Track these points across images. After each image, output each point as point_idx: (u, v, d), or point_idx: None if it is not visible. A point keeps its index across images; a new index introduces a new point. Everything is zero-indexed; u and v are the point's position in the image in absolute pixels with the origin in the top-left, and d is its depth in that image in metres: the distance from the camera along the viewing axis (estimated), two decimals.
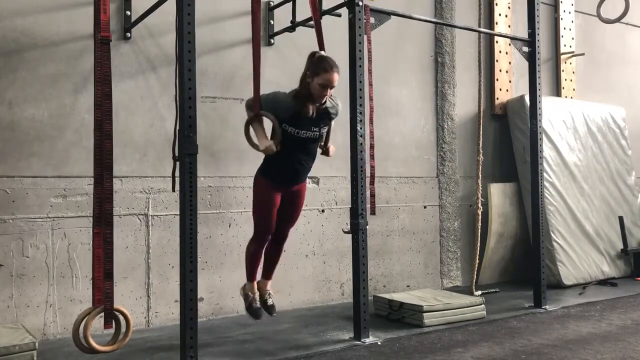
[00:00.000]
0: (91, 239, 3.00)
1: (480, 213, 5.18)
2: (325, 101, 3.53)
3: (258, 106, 3.45)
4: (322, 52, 3.56)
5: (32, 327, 3.70)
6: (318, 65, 3.41)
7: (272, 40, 4.73)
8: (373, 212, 3.91)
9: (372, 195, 3.92)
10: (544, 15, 6.38)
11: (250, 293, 3.77)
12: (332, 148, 3.77)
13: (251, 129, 3.51)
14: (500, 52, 6.10)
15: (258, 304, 3.77)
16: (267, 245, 3.71)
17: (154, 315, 4.19)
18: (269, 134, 3.51)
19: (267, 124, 3.50)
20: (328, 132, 3.72)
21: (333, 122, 3.71)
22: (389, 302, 4.35)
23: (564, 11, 6.65)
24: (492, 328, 4.04)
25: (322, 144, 3.73)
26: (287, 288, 4.74)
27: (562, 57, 6.63)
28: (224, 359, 3.42)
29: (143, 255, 4.18)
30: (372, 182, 3.92)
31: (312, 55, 3.50)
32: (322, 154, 3.75)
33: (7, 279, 3.73)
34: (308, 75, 3.43)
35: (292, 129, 3.46)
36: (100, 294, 2.92)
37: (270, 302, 3.81)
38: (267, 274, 3.84)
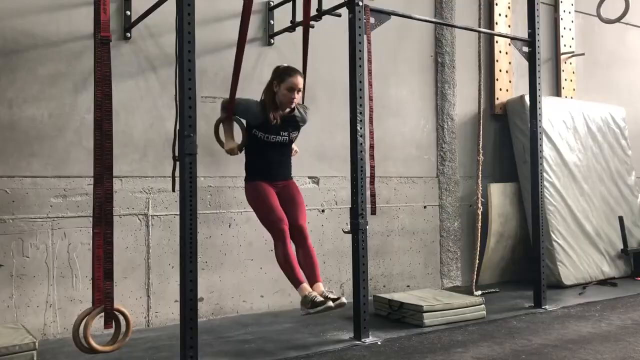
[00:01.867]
0: (91, 239, 2.99)
1: (480, 213, 5.18)
2: (294, 108, 3.76)
3: (231, 110, 3.73)
4: (284, 64, 3.81)
5: (32, 327, 3.70)
6: (283, 72, 3.69)
7: (272, 40, 4.73)
8: (374, 212, 3.91)
9: (373, 195, 3.93)
10: (544, 15, 6.38)
11: (307, 293, 3.43)
12: (295, 149, 4.02)
13: (221, 128, 3.85)
14: (500, 52, 6.10)
15: (321, 298, 3.40)
16: (294, 251, 3.60)
17: (154, 315, 4.19)
18: (238, 136, 3.80)
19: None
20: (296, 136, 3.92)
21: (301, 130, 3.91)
22: (389, 302, 4.35)
23: (564, 11, 6.65)
24: (492, 328, 4.04)
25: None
26: (287, 288, 4.73)
27: (562, 57, 6.63)
28: (224, 359, 3.42)
29: (143, 255, 4.18)
30: (372, 182, 3.93)
31: (277, 67, 3.79)
32: None
33: (7, 279, 3.73)
34: (275, 84, 3.69)
35: (262, 134, 3.71)
36: (100, 294, 2.91)
37: (332, 295, 3.44)
38: (314, 277, 3.58)
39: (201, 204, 4.20)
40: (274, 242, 3.64)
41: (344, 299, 3.42)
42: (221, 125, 3.87)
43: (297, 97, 3.72)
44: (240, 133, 3.84)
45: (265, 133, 3.71)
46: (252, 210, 3.83)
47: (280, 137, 3.75)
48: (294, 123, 3.82)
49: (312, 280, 3.57)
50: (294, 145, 3.97)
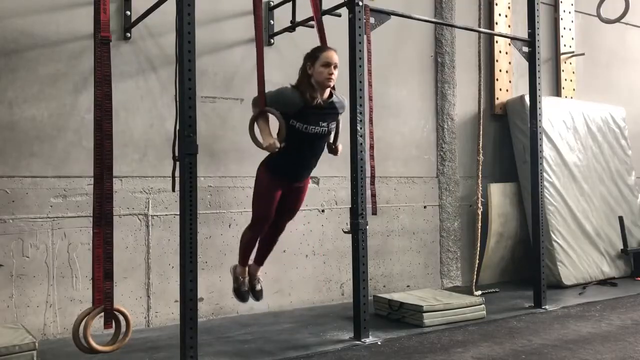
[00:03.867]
0: (91, 239, 3.00)
1: (480, 213, 5.18)
2: (332, 94, 3.49)
3: (263, 102, 3.41)
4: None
5: (32, 327, 3.70)
6: (314, 51, 3.44)
7: (272, 40, 4.73)
8: (374, 212, 3.91)
9: (373, 195, 3.92)
10: (544, 15, 6.38)
11: (240, 277, 3.82)
12: (340, 147, 3.68)
13: (256, 127, 3.47)
14: (500, 52, 6.10)
15: (246, 288, 3.83)
16: (258, 241, 3.74)
17: (154, 315, 4.19)
18: (274, 132, 3.45)
19: (274, 123, 3.47)
20: (337, 130, 3.63)
21: (341, 120, 3.63)
22: (389, 302, 4.35)
23: (564, 11, 6.65)
24: (492, 328, 4.04)
25: (331, 142, 3.65)
26: (287, 288, 4.74)
27: (562, 57, 6.63)
28: (224, 359, 3.42)
29: (143, 255, 4.18)
30: (372, 182, 3.92)
31: (306, 53, 3.51)
32: (329, 152, 3.68)
33: (7, 279, 3.73)
34: (308, 66, 3.41)
35: (300, 125, 3.38)
36: (100, 294, 2.92)
37: (258, 287, 3.87)
38: (260, 260, 3.85)
39: (201, 204, 4.19)
40: (250, 227, 3.67)
41: (260, 298, 3.91)
42: (255, 123, 3.48)
43: (335, 72, 3.39)
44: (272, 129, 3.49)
45: (304, 123, 3.37)
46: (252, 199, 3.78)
47: (320, 128, 3.43)
48: (333, 110, 3.50)
49: (258, 262, 3.86)
50: (339, 143, 3.66)
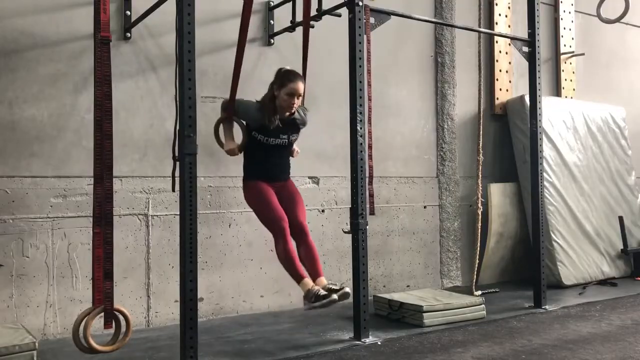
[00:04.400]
0: (91, 239, 2.99)
1: (480, 213, 5.18)
2: (294, 112, 3.71)
3: (231, 110, 3.71)
4: (287, 67, 3.76)
5: (32, 327, 3.70)
6: (284, 77, 3.64)
7: (272, 40, 4.73)
8: (372, 212, 3.91)
9: (371, 195, 3.92)
10: (544, 15, 6.38)
11: (309, 288, 3.43)
12: (296, 150, 3.98)
13: (221, 128, 3.82)
14: (500, 52, 6.10)
15: (324, 292, 3.39)
16: (295, 248, 3.60)
17: (154, 315, 4.19)
18: (238, 136, 3.77)
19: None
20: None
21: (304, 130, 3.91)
22: (389, 302, 4.35)
23: (564, 11, 6.65)
24: (492, 328, 4.04)
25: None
26: (287, 288, 4.73)
27: (562, 57, 6.63)
28: (224, 359, 3.42)
29: (143, 255, 4.18)
30: (370, 182, 3.92)
31: (279, 70, 3.73)
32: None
33: (7, 279, 3.73)
34: (275, 88, 3.65)
35: (262, 137, 3.68)
36: (100, 294, 2.92)
37: (334, 287, 3.46)
38: (316, 272, 3.57)
39: (201, 204, 4.20)
40: (275, 239, 3.61)
41: (347, 289, 3.42)
42: (221, 125, 3.84)
43: (297, 102, 3.66)
44: (240, 133, 3.83)
45: (265, 136, 3.67)
46: (252, 210, 3.82)
47: (280, 140, 3.72)
48: (294, 126, 3.79)
49: (315, 275, 3.56)
50: (295, 146, 3.95)
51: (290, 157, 3.94)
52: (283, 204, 3.70)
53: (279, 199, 3.72)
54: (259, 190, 3.69)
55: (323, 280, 3.55)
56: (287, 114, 3.70)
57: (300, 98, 3.70)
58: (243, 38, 3.60)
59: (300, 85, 3.63)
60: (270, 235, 3.67)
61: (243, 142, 3.75)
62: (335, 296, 3.34)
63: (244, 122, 3.77)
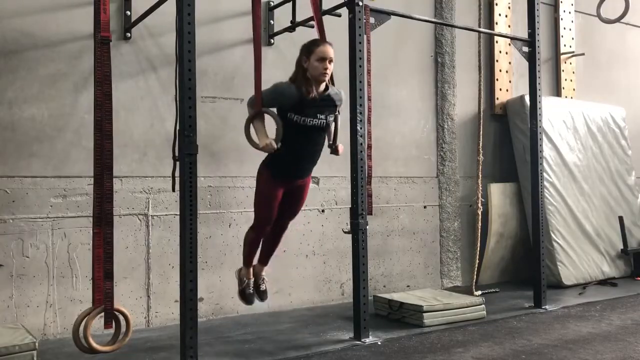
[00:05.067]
0: (91, 239, 3.00)
1: (480, 213, 5.18)
2: (328, 87, 3.48)
3: (259, 103, 3.41)
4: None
5: (32, 327, 3.70)
6: (310, 45, 3.44)
7: (272, 40, 4.73)
8: (370, 212, 3.89)
9: (370, 196, 3.92)
10: (544, 15, 6.38)
11: (245, 278, 3.81)
12: (341, 147, 3.67)
13: (252, 127, 3.46)
14: (500, 52, 6.10)
15: (251, 290, 3.83)
16: (267, 233, 3.72)
17: (154, 315, 4.19)
18: (271, 131, 3.46)
19: (270, 122, 3.48)
20: (336, 128, 3.64)
21: (340, 116, 3.62)
22: (389, 302, 4.35)
23: (564, 11, 6.65)
24: (492, 328, 4.04)
25: (331, 142, 3.65)
26: (287, 288, 4.74)
27: (562, 57, 6.63)
28: (224, 359, 3.42)
29: (143, 255, 4.18)
30: (369, 182, 3.92)
31: (302, 45, 3.51)
32: (331, 152, 3.68)
33: (7, 279, 3.73)
34: (304, 60, 3.42)
35: (298, 117, 3.39)
36: (100, 294, 2.92)
37: (263, 287, 3.87)
38: (264, 260, 3.86)
39: (201, 204, 4.19)
40: (253, 227, 3.67)
41: (266, 298, 3.92)
42: (251, 124, 3.47)
43: (330, 67, 3.39)
44: (268, 130, 3.51)
45: (302, 116, 3.37)
46: (252, 210, 3.78)
47: (317, 120, 3.42)
48: (330, 103, 3.49)
49: (263, 262, 3.86)
50: (339, 143, 3.65)
51: (335, 155, 3.68)
52: (285, 203, 3.60)
53: (285, 198, 3.58)
54: (268, 192, 3.54)
55: (263, 269, 3.87)
56: (322, 86, 3.44)
57: (332, 64, 3.42)
58: (258, 31, 3.46)
59: (329, 48, 3.40)
60: (253, 221, 3.67)
61: (279, 133, 3.40)
62: (252, 300, 3.85)
63: (275, 111, 3.46)
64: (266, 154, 3.49)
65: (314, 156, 3.57)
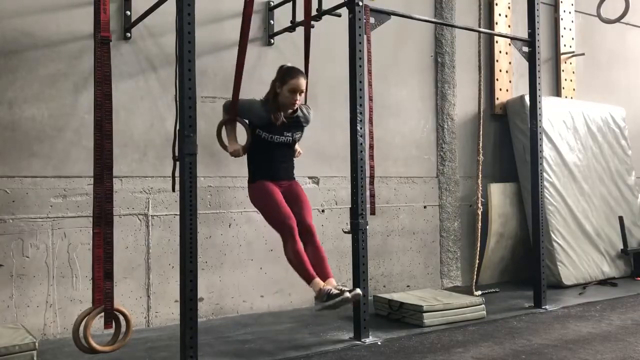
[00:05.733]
0: (91, 239, 2.99)
1: (480, 213, 5.18)
2: (297, 109, 3.69)
3: (234, 111, 3.66)
4: (289, 64, 3.74)
5: (32, 327, 3.70)
6: (285, 74, 3.62)
7: (272, 40, 4.73)
8: (373, 212, 3.90)
9: (372, 196, 3.92)
10: (544, 15, 6.38)
11: (321, 287, 3.38)
12: (299, 150, 3.93)
13: (223, 131, 3.75)
14: (500, 52, 6.10)
15: (335, 291, 3.34)
16: (303, 248, 3.52)
17: (154, 315, 4.19)
18: (241, 138, 3.70)
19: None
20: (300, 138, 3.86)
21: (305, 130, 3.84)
22: (389, 302, 4.35)
23: (564, 11, 6.65)
24: (492, 328, 4.04)
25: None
26: (287, 288, 4.74)
27: (562, 57, 6.63)
28: (224, 359, 3.42)
29: (143, 255, 4.18)
30: (371, 182, 3.92)
31: (281, 67, 3.70)
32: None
33: (7, 279, 3.73)
34: (277, 86, 3.63)
35: (266, 135, 3.64)
36: (100, 294, 2.91)
37: (345, 288, 3.38)
38: (325, 273, 3.52)
39: (201, 204, 4.20)
40: (283, 239, 3.52)
41: (359, 290, 3.40)
42: (224, 127, 3.77)
43: (300, 99, 3.63)
44: (243, 134, 3.77)
45: (269, 133, 3.63)
46: (252, 210, 3.81)
47: (284, 138, 3.68)
48: (297, 124, 3.75)
49: (324, 277, 3.49)
50: (297, 147, 3.90)
51: (294, 158, 3.89)
52: (289, 204, 3.63)
53: (285, 200, 3.65)
54: (265, 190, 3.61)
55: (332, 281, 3.50)
56: (290, 110, 3.67)
57: (303, 95, 3.67)
58: (245, 38, 3.57)
59: (302, 81, 3.60)
60: (271, 235, 3.66)
61: (247, 142, 3.69)
62: (347, 294, 3.28)
63: (247, 122, 3.71)
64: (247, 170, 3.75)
65: (285, 165, 3.78)
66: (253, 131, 3.67)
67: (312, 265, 3.48)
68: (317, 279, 3.43)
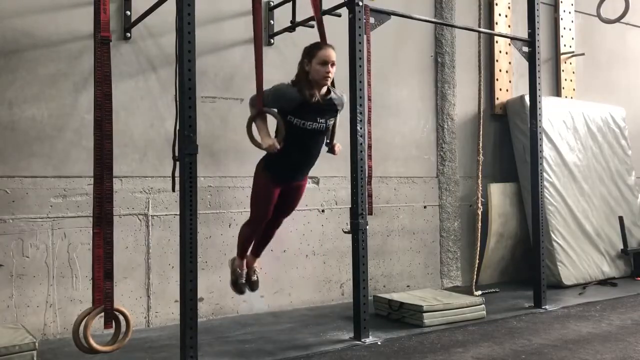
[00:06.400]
0: (91, 239, 2.99)
1: (480, 213, 5.18)
2: (329, 90, 3.46)
3: (261, 103, 3.40)
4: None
5: (32, 327, 3.70)
6: (312, 48, 3.41)
7: (272, 40, 4.73)
8: (370, 212, 3.90)
9: (370, 195, 3.92)
10: (544, 15, 6.38)
11: (238, 269, 3.83)
12: (338, 146, 3.68)
13: (254, 127, 3.45)
14: (500, 52, 6.10)
15: (243, 280, 3.85)
16: (254, 239, 3.78)
17: (154, 315, 4.19)
18: (272, 131, 3.46)
19: (272, 121, 3.47)
20: (333, 128, 3.63)
21: (338, 117, 3.61)
22: (389, 302, 4.35)
23: (564, 11, 6.65)
24: (492, 328, 4.04)
25: (328, 141, 3.65)
26: (287, 288, 4.74)
27: (562, 57, 6.63)
28: (224, 359, 3.42)
29: (143, 255, 4.18)
30: (369, 182, 3.92)
31: (305, 48, 3.48)
32: (328, 151, 3.68)
33: (7, 279, 3.73)
34: (306, 63, 3.40)
35: (298, 120, 3.37)
36: (100, 294, 2.92)
37: (254, 278, 3.90)
38: (257, 252, 3.87)
39: (201, 204, 4.19)
40: (248, 223, 3.68)
41: (257, 288, 3.96)
42: (254, 123, 3.46)
43: (332, 70, 3.36)
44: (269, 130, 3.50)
45: (302, 119, 3.36)
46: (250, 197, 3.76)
47: (317, 124, 3.40)
48: (331, 107, 3.47)
49: (256, 253, 3.87)
50: (336, 142, 3.67)
51: (332, 154, 3.71)
52: (281, 203, 3.60)
53: (281, 198, 3.59)
54: (265, 193, 3.54)
55: (256, 260, 3.88)
56: (324, 89, 3.43)
57: (335, 67, 3.39)
58: (259, 30, 3.45)
59: (331, 52, 3.36)
60: (249, 219, 3.67)
61: (282, 133, 3.39)
62: (244, 290, 3.89)
63: (276, 111, 3.45)
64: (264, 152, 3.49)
65: (311, 158, 3.58)
66: (284, 119, 3.40)
67: (255, 241, 3.79)
68: (243, 261, 3.83)
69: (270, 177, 3.51)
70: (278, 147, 3.35)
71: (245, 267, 3.86)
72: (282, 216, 3.75)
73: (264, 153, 3.49)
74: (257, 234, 3.75)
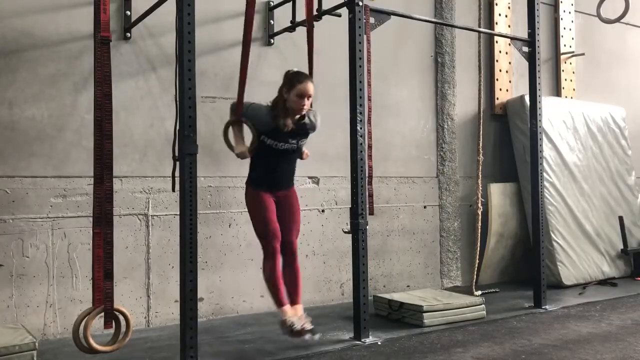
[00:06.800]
0: (91, 239, 3.00)
1: (480, 213, 5.18)
2: (304, 115, 3.61)
3: (240, 111, 3.58)
4: (295, 68, 3.67)
5: (32, 327, 3.70)
6: (292, 79, 3.55)
7: (272, 40, 4.73)
8: (371, 212, 3.90)
9: (370, 195, 3.92)
10: (544, 15, 6.38)
11: (286, 319, 3.45)
12: (306, 152, 3.83)
13: (230, 131, 3.65)
14: (500, 52, 6.10)
15: (299, 327, 3.41)
16: (281, 268, 3.58)
17: (154, 315, 4.19)
18: (247, 138, 3.62)
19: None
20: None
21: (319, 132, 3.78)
22: (389, 302, 4.35)
23: (564, 11, 6.65)
24: (492, 328, 4.04)
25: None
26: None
27: (562, 57, 6.63)
28: (224, 359, 3.42)
29: (143, 255, 4.18)
30: (369, 182, 3.92)
31: (287, 72, 3.63)
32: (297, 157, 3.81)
33: (7, 279, 3.73)
34: (285, 91, 3.55)
35: (271, 141, 3.57)
36: (100, 294, 2.92)
37: (308, 327, 3.45)
38: (295, 298, 3.62)
39: (201, 204, 4.20)
40: (264, 256, 3.57)
41: (315, 333, 3.49)
42: (230, 128, 3.67)
43: (307, 103, 3.54)
44: (248, 135, 3.67)
45: (274, 140, 3.55)
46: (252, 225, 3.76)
47: (289, 145, 3.60)
48: (303, 130, 3.66)
49: (293, 301, 3.60)
50: (305, 149, 3.80)
51: (299, 160, 3.82)
52: (280, 215, 3.62)
53: (278, 209, 3.63)
54: (258, 202, 3.58)
55: (299, 308, 3.60)
56: (298, 116, 3.58)
57: (311, 99, 3.57)
58: (248, 38, 3.53)
59: (309, 86, 3.53)
60: (262, 248, 3.62)
61: (253, 144, 3.58)
62: (306, 336, 3.43)
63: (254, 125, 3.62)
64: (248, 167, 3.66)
65: (286, 172, 3.72)
66: (258, 136, 3.58)
67: (285, 285, 3.56)
68: (287, 306, 3.52)
69: (257, 188, 3.63)
70: (248, 156, 3.56)
71: (293, 313, 3.51)
72: (290, 233, 3.66)
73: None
74: (278, 267, 3.54)
